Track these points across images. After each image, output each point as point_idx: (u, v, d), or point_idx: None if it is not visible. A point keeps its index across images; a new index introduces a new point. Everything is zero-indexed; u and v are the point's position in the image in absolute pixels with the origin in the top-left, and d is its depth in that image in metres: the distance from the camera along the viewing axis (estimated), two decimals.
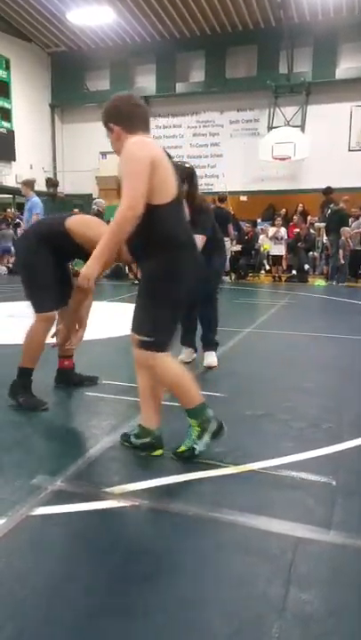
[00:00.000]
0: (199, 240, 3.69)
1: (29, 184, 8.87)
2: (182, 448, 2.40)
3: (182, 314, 2.52)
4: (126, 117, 2.26)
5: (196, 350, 4.26)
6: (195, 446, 2.37)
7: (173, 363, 2.41)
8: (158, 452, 2.46)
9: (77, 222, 3.06)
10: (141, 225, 2.15)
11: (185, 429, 2.74)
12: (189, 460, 2.36)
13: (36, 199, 8.67)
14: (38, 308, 3.04)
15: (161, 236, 2.23)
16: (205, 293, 3.90)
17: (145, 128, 2.30)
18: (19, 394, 3.07)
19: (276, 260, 12.38)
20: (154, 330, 2.29)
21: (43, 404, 3.05)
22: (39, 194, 9.11)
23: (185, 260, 2.29)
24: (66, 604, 1.50)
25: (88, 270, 2.29)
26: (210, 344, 4.19)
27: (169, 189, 2.21)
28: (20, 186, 9.83)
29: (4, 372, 3.24)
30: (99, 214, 11.86)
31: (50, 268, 3.05)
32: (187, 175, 3.59)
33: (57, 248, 3.04)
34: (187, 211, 2.55)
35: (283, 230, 12.27)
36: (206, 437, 2.37)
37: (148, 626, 1.42)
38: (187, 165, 3.76)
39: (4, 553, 1.72)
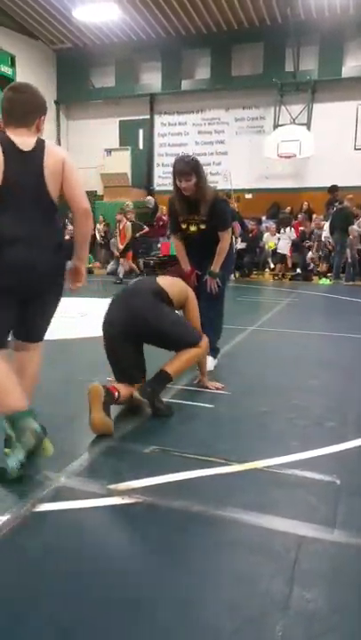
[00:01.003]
0: (227, 236, 3.80)
1: None
2: None
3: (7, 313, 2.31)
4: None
5: None
6: (8, 462, 2.10)
7: None
8: None
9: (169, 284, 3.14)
10: None
11: (198, 430, 2.75)
12: None
13: None
14: (198, 337, 3.10)
15: None
16: (211, 294, 3.82)
17: (13, 122, 2.24)
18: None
19: (281, 258, 12.36)
20: None
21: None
22: None
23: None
24: (68, 600, 1.50)
25: None
26: (212, 348, 3.86)
27: None
28: None
29: None
30: (152, 211, 12.14)
31: None
32: (191, 168, 3.54)
33: None
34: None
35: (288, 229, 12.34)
36: (19, 453, 2.09)
37: (151, 622, 1.42)
38: (190, 158, 3.66)
39: (7, 549, 1.73)
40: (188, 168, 3.54)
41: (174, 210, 3.82)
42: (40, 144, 2.26)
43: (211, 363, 3.88)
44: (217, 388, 3.44)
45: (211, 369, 3.83)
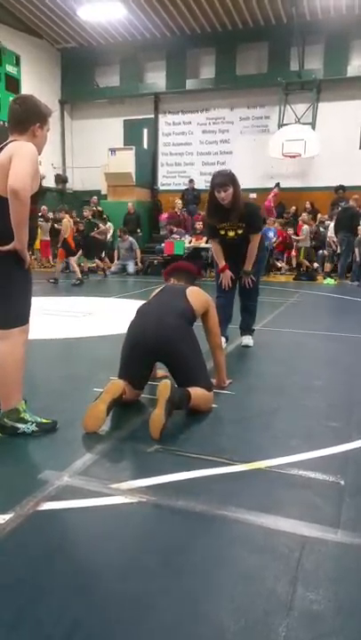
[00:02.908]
0: (257, 238, 4.40)
1: None
2: None
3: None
4: None
5: (227, 340, 4.62)
6: None
7: None
8: None
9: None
10: None
11: (201, 429, 2.75)
12: None
13: None
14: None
15: None
16: (249, 290, 4.59)
17: (10, 129, 2.58)
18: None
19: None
20: None
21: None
22: (49, 190, 9.02)
23: None
24: (71, 598, 1.50)
25: None
26: (249, 329, 4.83)
27: None
28: None
29: None
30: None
31: None
32: (229, 179, 4.09)
33: None
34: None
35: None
36: None
37: (155, 622, 1.42)
38: (226, 171, 4.22)
39: (10, 548, 1.73)
40: (226, 180, 4.10)
41: (212, 220, 4.36)
42: (8, 144, 2.46)
43: (251, 340, 4.82)
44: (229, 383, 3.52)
45: (251, 345, 4.73)
